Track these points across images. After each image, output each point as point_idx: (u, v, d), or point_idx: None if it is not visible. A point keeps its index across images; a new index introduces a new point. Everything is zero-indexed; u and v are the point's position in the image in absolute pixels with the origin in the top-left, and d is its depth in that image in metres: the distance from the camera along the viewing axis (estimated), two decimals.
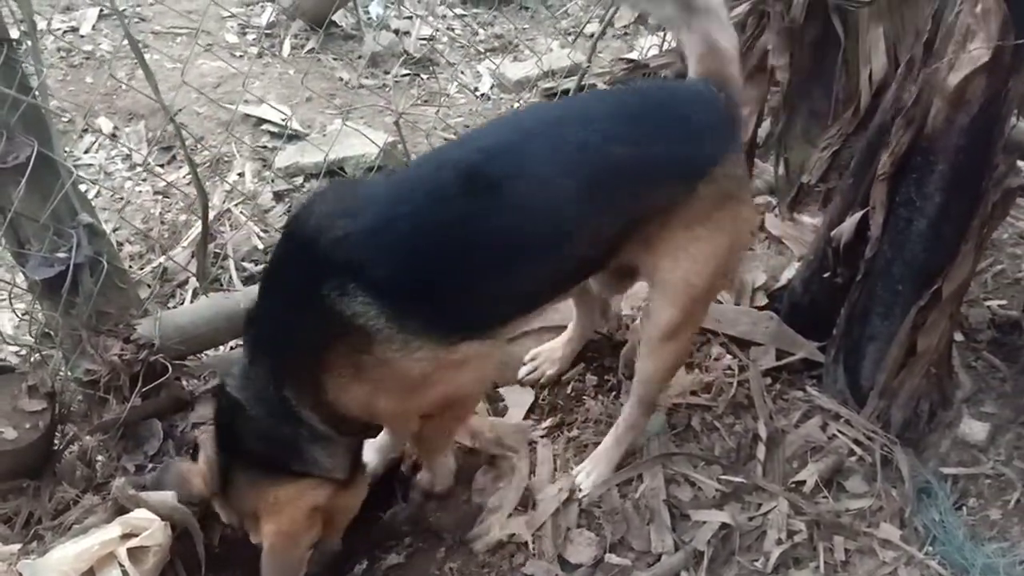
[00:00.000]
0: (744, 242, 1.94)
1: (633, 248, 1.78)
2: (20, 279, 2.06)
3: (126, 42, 4.47)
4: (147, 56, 4.22)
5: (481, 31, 4.73)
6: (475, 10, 4.80)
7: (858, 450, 2.18)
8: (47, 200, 1.90)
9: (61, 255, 1.91)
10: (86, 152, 3.84)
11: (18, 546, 1.82)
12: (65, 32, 4.45)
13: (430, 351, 1.65)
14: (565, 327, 2.43)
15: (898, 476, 2.13)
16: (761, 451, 2.18)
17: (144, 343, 1.98)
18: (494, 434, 2.19)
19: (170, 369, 2.01)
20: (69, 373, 2.03)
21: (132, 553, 1.79)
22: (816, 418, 2.25)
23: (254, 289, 2.47)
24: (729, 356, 2.42)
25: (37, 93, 1.89)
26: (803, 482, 2.13)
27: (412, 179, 1.71)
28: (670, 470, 2.13)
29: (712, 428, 2.26)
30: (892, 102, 1.87)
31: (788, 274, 2.58)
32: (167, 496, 1.83)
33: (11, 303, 2.06)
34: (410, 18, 4.76)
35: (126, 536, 1.80)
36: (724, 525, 2.02)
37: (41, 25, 4.27)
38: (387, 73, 4.38)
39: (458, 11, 4.90)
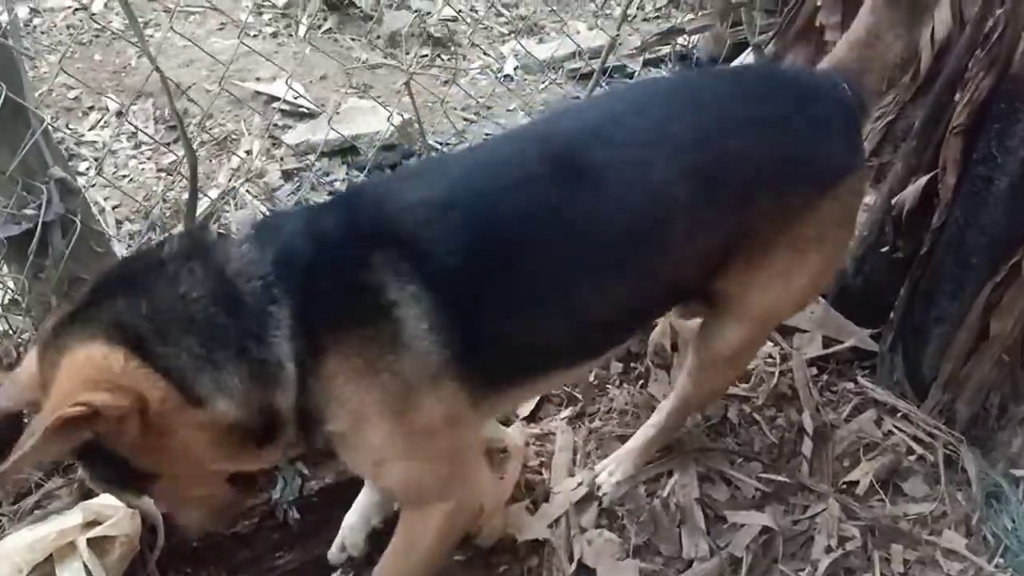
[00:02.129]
0: (835, 272, 1.66)
1: (730, 271, 1.46)
2: None
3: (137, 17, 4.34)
4: (156, 34, 4.12)
5: (505, 12, 4.53)
6: None
7: (918, 448, 1.94)
8: (15, 152, 1.71)
9: (29, 212, 1.72)
10: (90, 129, 3.69)
11: None
12: (76, 10, 4.32)
13: (453, 393, 1.30)
14: None
15: (964, 478, 1.89)
16: (807, 447, 1.94)
17: None
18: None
19: None
20: None
21: (95, 543, 1.59)
22: (869, 412, 2.01)
23: None
24: (770, 343, 2.19)
25: (7, 31, 1.70)
26: (855, 483, 1.89)
27: (494, 155, 1.41)
28: (704, 466, 1.90)
29: (751, 421, 2.03)
30: (966, 47, 1.63)
31: None
32: None
33: None
34: None
35: (89, 524, 1.61)
36: (765, 529, 1.78)
37: (50, 3, 4.16)
38: (407, 53, 4.19)
39: None
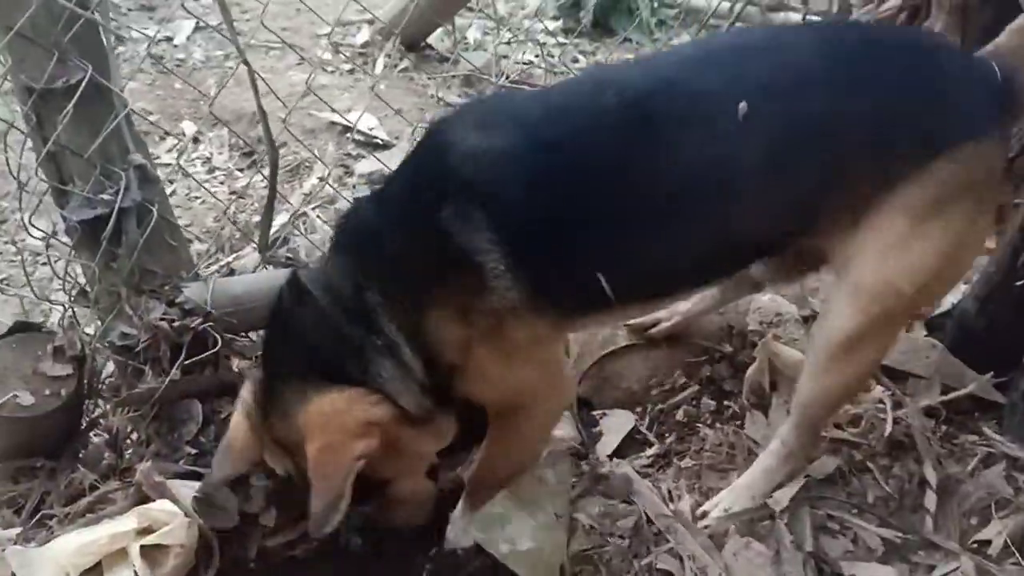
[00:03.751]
0: (973, 254, 1.54)
1: (828, 229, 1.42)
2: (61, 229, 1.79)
3: (217, 52, 4.39)
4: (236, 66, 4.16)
5: (581, 58, 4.49)
6: (576, 40, 4.57)
7: None
8: (96, 134, 1.64)
9: (106, 197, 1.64)
10: (167, 152, 3.68)
11: (18, 531, 1.51)
12: (159, 41, 4.39)
13: (535, 321, 1.40)
14: None
15: None
16: (931, 500, 1.73)
17: (191, 308, 1.68)
18: None
19: (220, 342, 1.70)
20: (102, 344, 1.74)
21: (148, 552, 1.46)
22: (999, 466, 1.80)
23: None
24: (880, 388, 1.99)
25: (97, 13, 1.64)
26: (987, 543, 1.67)
27: (567, 98, 1.43)
28: (819, 515, 1.70)
29: (863, 469, 1.83)
30: None
31: (952, 299, 2.14)
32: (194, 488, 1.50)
33: (49, 258, 1.78)
34: (508, 43, 4.58)
35: (143, 531, 1.48)
36: None
37: (135, 34, 4.23)
38: (481, 93, 4.15)
39: (559, 40, 4.71)
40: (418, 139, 1.48)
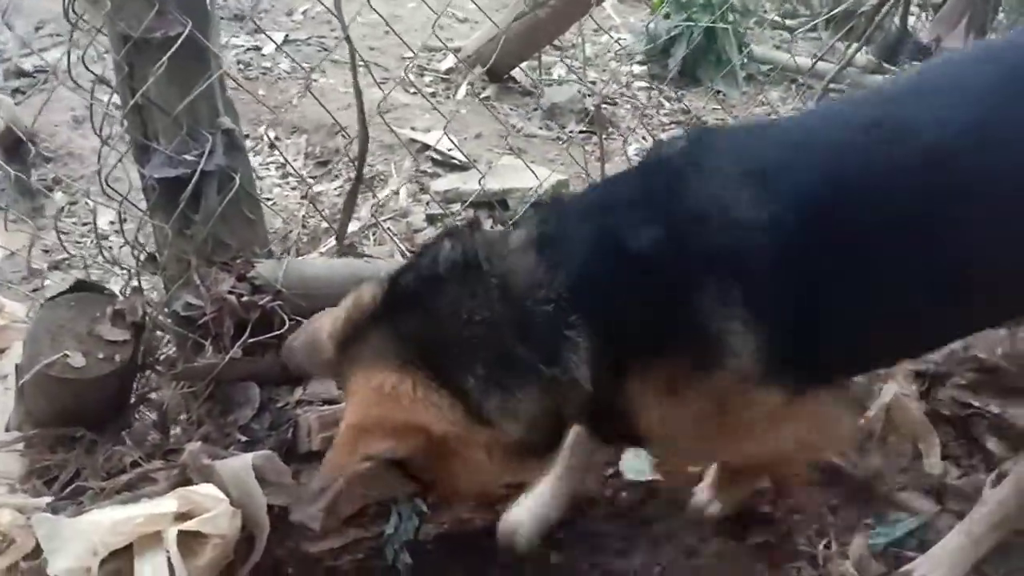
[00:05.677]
0: None
1: None
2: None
3: (304, 65, 4.40)
4: (321, 80, 4.15)
5: (666, 103, 4.40)
6: (662, 86, 4.49)
7: None
8: (187, 94, 1.56)
9: (189, 158, 1.55)
10: None
11: (49, 499, 1.39)
12: (248, 50, 4.43)
13: (779, 398, 1.23)
14: None
15: None
16: None
17: (262, 285, 1.58)
18: None
19: (287, 324, 1.58)
20: (165, 312, 1.64)
21: (184, 539, 1.33)
22: None
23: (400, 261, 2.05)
24: None
25: None
26: None
27: (844, 143, 1.21)
28: None
29: None
30: None
31: None
32: (247, 474, 1.37)
33: (121, 222, 1.70)
34: (593, 83, 4.52)
35: (183, 516, 1.34)
36: None
37: (223, 40, 4.27)
38: (563, 127, 4.08)
39: (644, 84, 4.64)
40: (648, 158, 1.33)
